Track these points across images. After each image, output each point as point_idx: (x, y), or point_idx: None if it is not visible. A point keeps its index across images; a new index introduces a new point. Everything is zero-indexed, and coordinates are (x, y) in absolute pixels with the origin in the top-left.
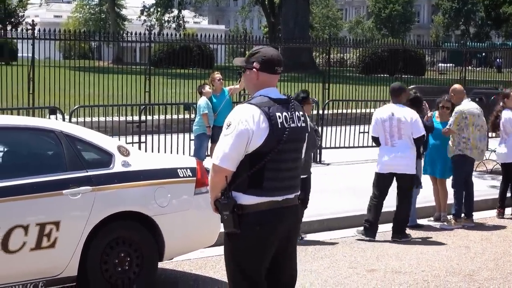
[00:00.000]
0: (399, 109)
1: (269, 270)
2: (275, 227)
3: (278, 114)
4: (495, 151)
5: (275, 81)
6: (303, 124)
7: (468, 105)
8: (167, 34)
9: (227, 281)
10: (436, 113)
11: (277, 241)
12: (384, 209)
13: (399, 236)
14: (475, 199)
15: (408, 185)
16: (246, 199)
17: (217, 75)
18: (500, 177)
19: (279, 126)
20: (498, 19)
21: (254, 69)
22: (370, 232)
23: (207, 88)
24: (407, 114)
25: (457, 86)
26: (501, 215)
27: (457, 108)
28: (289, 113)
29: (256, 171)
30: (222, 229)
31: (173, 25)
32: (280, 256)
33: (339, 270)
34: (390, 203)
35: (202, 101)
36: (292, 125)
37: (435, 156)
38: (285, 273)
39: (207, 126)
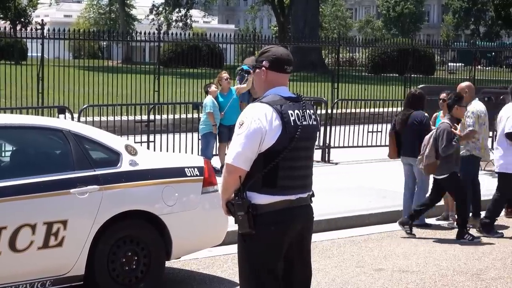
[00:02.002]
0: (507, 107)
1: (284, 271)
2: (289, 227)
3: (290, 112)
4: None
5: (285, 80)
6: (314, 123)
7: (478, 105)
8: (176, 34)
9: (234, 281)
10: (441, 113)
11: (290, 240)
12: (390, 209)
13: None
14: (483, 198)
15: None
16: (260, 199)
17: (225, 74)
18: None
19: (292, 124)
20: (508, 18)
21: (263, 68)
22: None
23: (213, 87)
24: (505, 112)
25: (463, 84)
26: (509, 214)
27: (471, 108)
28: (301, 111)
29: (270, 170)
30: (230, 229)
31: (180, 24)
32: (295, 256)
33: (347, 269)
34: (395, 203)
35: (208, 100)
36: (304, 123)
37: None
38: (300, 273)
39: (213, 125)
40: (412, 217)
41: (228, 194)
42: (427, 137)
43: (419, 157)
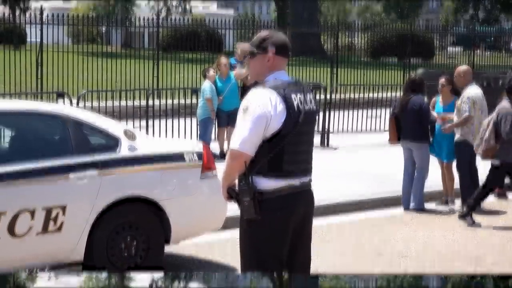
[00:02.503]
0: None
1: (287, 256)
2: (293, 211)
3: (293, 96)
4: None
5: (285, 65)
6: (314, 107)
7: (474, 90)
8: (175, 19)
9: (234, 265)
10: (440, 98)
11: (294, 225)
12: (389, 194)
13: None
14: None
15: None
16: (266, 184)
17: (224, 59)
18: None
19: (295, 109)
20: (507, 3)
21: (270, 53)
22: None
23: (212, 72)
24: None
25: (461, 68)
26: (501, 196)
27: (466, 94)
28: (302, 95)
29: (276, 155)
30: (229, 214)
31: (180, 10)
32: (297, 240)
33: (346, 254)
34: (394, 188)
35: (207, 85)
36: (306, 107)
37: (441, 140)
38: (301, 258)
39: (211, 110)
40: None
41: (231, 180)
42: (486, 121)
43: (476, 142)
